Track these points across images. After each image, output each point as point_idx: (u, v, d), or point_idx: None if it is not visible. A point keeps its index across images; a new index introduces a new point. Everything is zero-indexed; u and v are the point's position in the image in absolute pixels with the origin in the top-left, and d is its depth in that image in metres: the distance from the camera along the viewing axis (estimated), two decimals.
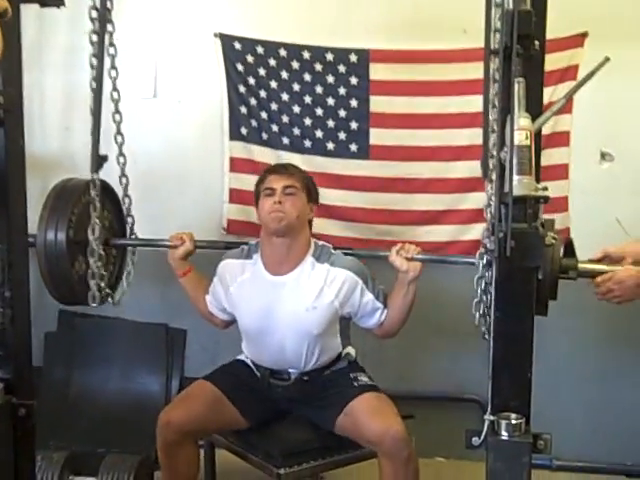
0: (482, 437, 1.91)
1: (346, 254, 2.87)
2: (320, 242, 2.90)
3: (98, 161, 2.67)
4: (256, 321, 2.85)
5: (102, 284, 2.73)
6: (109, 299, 2.79)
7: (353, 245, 3.25)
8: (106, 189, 2.79)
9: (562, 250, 2.25)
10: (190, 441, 2.80)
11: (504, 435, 1.89)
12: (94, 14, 2.59)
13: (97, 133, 2.64)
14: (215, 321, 3.08)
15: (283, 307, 2.80)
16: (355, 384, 2.81)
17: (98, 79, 2.62)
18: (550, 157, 3.42)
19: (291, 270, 2.81)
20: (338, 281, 2.78)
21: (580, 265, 2.30)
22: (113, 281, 2.94)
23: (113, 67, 2.74)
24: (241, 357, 3.02)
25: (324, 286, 2.78)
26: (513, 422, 1.90)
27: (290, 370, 2.87)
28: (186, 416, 2.75)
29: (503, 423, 1.89)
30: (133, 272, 2.96)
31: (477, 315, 2.29)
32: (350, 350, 2.97)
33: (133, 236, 3.00)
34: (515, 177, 1.81)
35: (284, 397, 2.90)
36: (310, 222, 2.91)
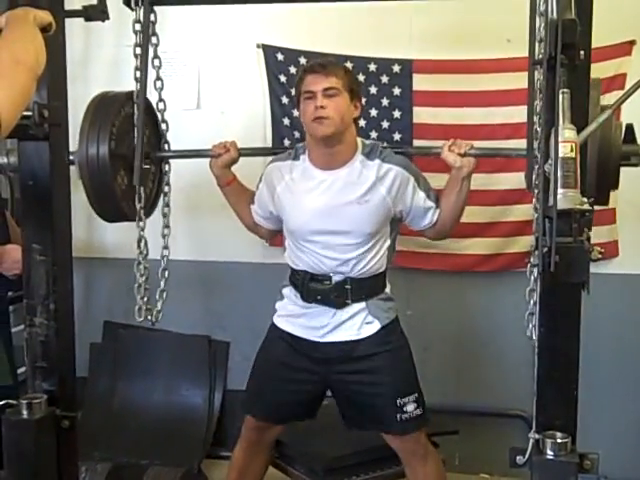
0: (527, 456, 1.87)
1: (397, 153, 2.73)
2: (368, 140, 2.79)
3: (142, 172, 2.68)
4: (305, 220, 2.69)
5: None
6: (149, 317, 2.74)
7: (396, 260, 3.19)
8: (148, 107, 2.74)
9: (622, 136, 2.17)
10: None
11: (549, 454, 1.85)
12: (138, 27, 2.60)
13: (141, 144, 2.65)
14: (260, 232, 2.98)
15: (335, 201, 2.65)
16: (398, 417, 2.67)
17: (142, 92, 2.63)
18: None
19: (342, 167, 2.67)
20: (390, 176, 2.64)
21: None
22: (152, 199, 2.86)
23: (158, 78, 2.75)
24: (275, 319, 2.85)
25: (376, 181, 2.63)
26: (559, 441, 1.86)
27: (332, 274, 2.70)
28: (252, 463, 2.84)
29: (548, 442, 1.85)
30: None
31: (530, 326, 2.22)
32: (388, 290, 2.79)
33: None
34: (560, 190, 1.77)
35: (320, 375, 2.74)
36: (356, 120, 2.75)
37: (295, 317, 2.77)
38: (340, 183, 2.65)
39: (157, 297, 2.74)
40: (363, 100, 3.55)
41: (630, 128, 2.16)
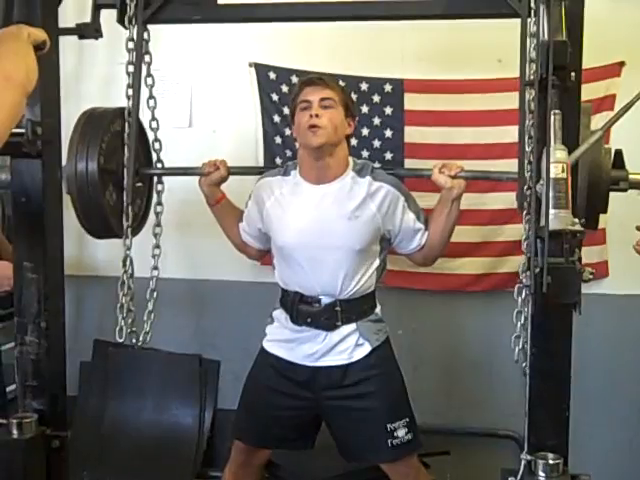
0: (518, 478, 1.87)
1: (388, 174, 2.72)
2: (359, 160, 2.78)
3: (134, 191, 2.68)
4: (294, 234, 2.67)
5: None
6: (133, 340, 2.73)
7: (387, 279, 3.19)
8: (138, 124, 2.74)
9: (611, 161, 2.18)
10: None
11: (541, 476, 1.85)
12: (131, 45, 2.61)
13: (132, 163, 2.65)
14: (249, 251, 2.96)
15: (324, 216, 2.64)
16: (389, 443, 2.64)
17: (135, 110, 2.63)
18: None
19: (332, 181, 2.67)
20: (381, 193, 2.64)
21: (631, 176, 2.19)
22: (140, 217, 2.86)
23: (151, 97, 2.75)
24: (265, 344, 2.82)
25: (366, 197, 2.63)
26: (550, 462, 1.86)
27: (321, 297, 2.68)
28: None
29: (540, 463, 1.85)
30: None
31: (517, 350, 2.23)
32: (378, 311, 2.76)
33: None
34: (551, 211, 1.78)
35: (312, 401, 2.73)
36: (348, 138, 2.75)
37: (286, 342, 2.75)
38: (330, 198, 2.64)
39: (145, 318, 2.73)
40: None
41: (619, 154, 2.17)
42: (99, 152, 2.50)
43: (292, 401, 2.73)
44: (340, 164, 2.67)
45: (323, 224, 2.63)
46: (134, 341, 2.69)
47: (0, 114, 1.78)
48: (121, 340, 2.66)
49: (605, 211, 2.12)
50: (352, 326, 2.67)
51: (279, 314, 2.78)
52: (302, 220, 2.66)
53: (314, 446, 2.82)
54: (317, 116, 2.58)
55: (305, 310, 2.68)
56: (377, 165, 2.80)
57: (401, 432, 2.65)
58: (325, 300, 2.66)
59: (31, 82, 1.93)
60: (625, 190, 2.19)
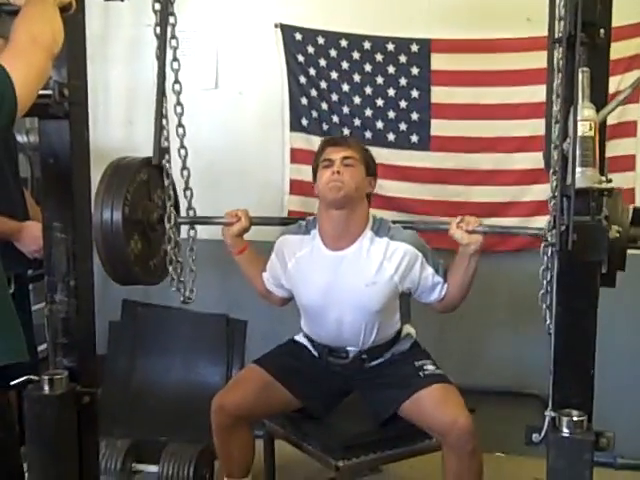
0: (543, 434, 1.88)
1: (405, 227, 2.80)
2: (378, 216, 2.84)
3: (161, 152, 2.69)
4: (315, 297, 2.82)
5: (179, 270, 2.76)
6: (181, 296, 2.79)
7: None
8: (160, 169, 2.78)
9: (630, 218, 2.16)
10: (243, 425, 2.83)
11: (565, 432, 1.85)
12: (157, 6, 2.61)
13: (160, 125, 2.66)
14: (273, 299, 3.06)
15: (342, 283, 2.75)
16: (421, 374, 2.76)
17: (161, 72, 2.64)
18: (616, 148, 3.35)
19: (350, 244, 2.75)
20: (398, 255, 2.72)
21: None
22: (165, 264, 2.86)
23: (175, 59, 2.75)
24: (297, 337, 3.01)
25: (384, 260, 2.71)
26: (574, 419, 1.86)
27: (348, 348, 2.84)
28: (238, 400, 2.78)
29: (564, 420, 1.86)
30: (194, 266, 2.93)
31: (544, 307, 2.24)
32: (410, 330, 2.94)
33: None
34: (578, 169, 1.77)
35: (343, 376, 2.90)
36: (369, 196, 2.84)
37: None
38: (348, 263, 2.75)
39: (187, 277, 2.79)
40: (381, 80, 3.59)
41: (637, 211, 2.14)
42: (124, 203, 2.56)
43: (325, 372, 2.90)
44: (359, 222, 2.76)
45: (342, 289, 2.76)
46: (182, 290, 2.78)
47: (27, 77, 1.81)
48: (173, 289, 2.75)
49: (623, 268, 2.09)
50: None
51: (304, 341, 3.00)
52: (321, 285, 2.79)
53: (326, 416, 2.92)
54: (339, 172, 2.68)
55: (334, 362, 2.89)
56: (394, 221, 2.85)
57: (430, 367, 2.81)
58: (352, 351, 2.85)
59: (57, 44, 1.95)
60: None
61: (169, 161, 2.70)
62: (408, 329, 2.94)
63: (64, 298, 2.27)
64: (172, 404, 3.69)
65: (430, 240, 2.89)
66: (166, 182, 2.71)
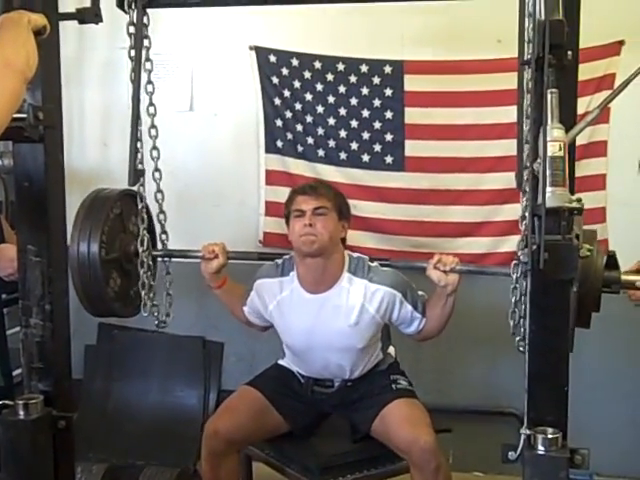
0: (518, 452, 1.89)
1: (383, 265, 2.82)
2: (355, 254, 2.86)
3: (136, 175, 2.69)
4: (299, 339, 2.86)
5: (151, 294, 2.73)
6: (156, 320, 2.78)
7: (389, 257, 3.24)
8: (134, 196, 2.78)
9: (604, 263, 2.20)
10: (235, 450, 2.83)
11: (540, 450, 1.86)
12: (132, 29, 2.62)
13: (134, 148, 2.66)
14: (255, 327, 3.06)
15: (325, 325, 2.78)
16: (393, 387, 2.83)
17: (136, 94, 2.64)
18: (587, 167, 3.39)
19: (329, 288, 2.78)
20: (377, 297, 2.75)
21: (623, 277, 2.23)
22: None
23: (149, 82, 2.76)
24: (282, 362, 3.03)
25: (364, 302, 2.75)
26: (549, 436, 1.87)
27: (334, 379, 2.89)
28: (233, 425, 2.76)
29: (539, 437, 1.87)
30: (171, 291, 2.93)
31: (511, 324, 2.27)
32: (391, 350, 3.01)
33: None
34: (548, 189, 1.79)
35: (327, 402, 2.93)
36: (343, 240, 2.86)
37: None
38: (329, 307, 2.78)
39: (164, 301, 2.78)
40: (355, 101, 3.62)
41: (612, 256, 2.19)
42: (100, 245, 2.56)
43: (312, 395, 2.94)
44: (335, 266, 2.79)
45: (326, 332, 2.78)
46: (156, 314, 2.76)
47: (0, 100, 1.80)
48: (145, 315, 2.73)
49: (597, 310, 2.12)
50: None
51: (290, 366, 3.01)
52: (303, 328, 2.82)
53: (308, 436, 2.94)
54: (311, 225, 2.69)
55: (319, 391, 2.93)
56: (371, 259, 2.86)
57: (403, 382, 2.88)
58: (337, 381, 2.90)
59: (31, 68, 1.94)
60: (617, 292, 2.19)
61: (143, 184, 2.69)
62: (390, 350, 3.00)
63: (39, 322, 2.26)
64: (149, 428, 3.68)
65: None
66: (140, 205, 2.71)
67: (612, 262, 2.19)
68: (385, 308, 2.76)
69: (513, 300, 2.26)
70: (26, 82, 1.95)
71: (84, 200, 2.67)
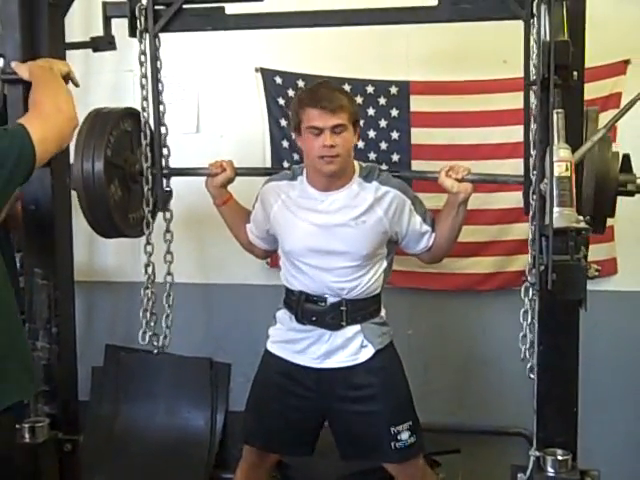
0: (528, 473, 1.88)
1: (394, 176, 2.73)
2: (365, 163, 2.77)
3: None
4: (301, 239, 2.69)
5: (152, 324, 2.71)
6: (154, 342, 2.77)
7: (396, 280, 3.23)
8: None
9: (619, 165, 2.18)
10: None
11: (550, 472, 1.86)
12: (143, 59, 2.64)
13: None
14: (255, 251, 2.97)
15: (331, 221, 2.65)
16: (393, 446, 2.67)
17: (156, 117, 2.68)
18: None
19: (340, 189, 2.67)
20: (387, 198, 2.65)
21: (639, 180, 2.18)
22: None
23: (160, 103, 2.77)
24: (269, 351, 2.84)
25: (373, 202, 2.63)
26: (559, 458, 1.87)
27: (327, 296, 2.69)
28: None
29: (549, 459, 1.86)
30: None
31: (523, 349, 2.24)
32: (384, 314, 2.78)
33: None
34: (555, 209, 1.79)
35: (318, 399, 2.74)
36: (355, 146, 2.73)
37: (290, 343, 2.77)
38: (337, 204, 2.66)
39: (163, 324, 2.76)
40: (361, 122, 3.60)
41: (627, 157, 2.18)
42: (106, 145, 2.53)
43: (297, 401, 2.76)
44: (347, 173, 2.67)
45: (330, 230, 2.65)
46: (155, 344, 2.73)
47: (47, 134, 2.02)
48: (144, 343, 2.69)
49: (613, 215, 2.12)
50: (356, 327, 2.69)
51: (283, 314, 2.80)
52: (309, 226, 2.68)
53: (313, 453, 2.86)
54: (332, 146, 2.54)
55: (310, 309, 2.70)
56: (384, 167, 2.80)
57: (404, 435, 2.67)
58: (331, 299, 2.68)
59: (77, 118, 2.20)
60: (633, 194, 2.18)
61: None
62: (385, 318, 2.79)
63: (46, 345, 2.27)
64: (156, 450, 3.66)
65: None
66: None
67: (627, 164, 2.17)
68: (394, 212, 2.65)
69: (524, 324, 2.23)
70: (74, 128, 2.20)
71: (92, 110, 2.68)
